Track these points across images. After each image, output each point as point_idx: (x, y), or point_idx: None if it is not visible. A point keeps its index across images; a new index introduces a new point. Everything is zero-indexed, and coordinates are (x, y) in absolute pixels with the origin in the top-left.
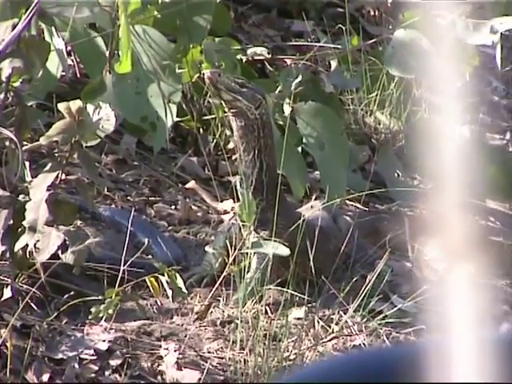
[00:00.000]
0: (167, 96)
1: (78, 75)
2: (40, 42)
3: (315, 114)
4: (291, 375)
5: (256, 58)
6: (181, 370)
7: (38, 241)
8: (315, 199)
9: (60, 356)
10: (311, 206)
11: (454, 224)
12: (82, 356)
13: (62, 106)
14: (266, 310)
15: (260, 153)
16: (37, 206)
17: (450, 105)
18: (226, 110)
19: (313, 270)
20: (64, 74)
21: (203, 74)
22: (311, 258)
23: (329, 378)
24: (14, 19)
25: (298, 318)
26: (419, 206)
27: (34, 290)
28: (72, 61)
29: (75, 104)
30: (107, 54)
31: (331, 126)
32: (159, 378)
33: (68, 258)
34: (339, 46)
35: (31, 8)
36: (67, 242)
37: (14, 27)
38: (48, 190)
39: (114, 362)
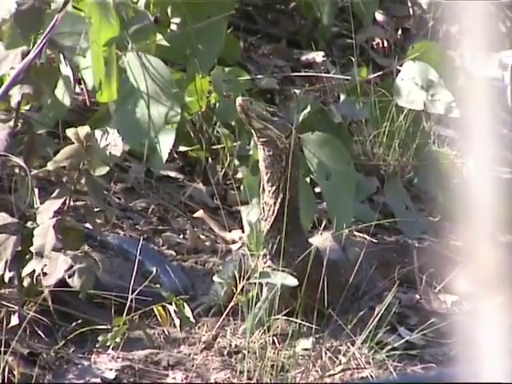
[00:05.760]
0: (166, 118)
1: (88, 103)
2: (49, 69)
3: (322, 144)
4: None
5: (265, 88)
6: None
7: (46, 265)
8: (323, 230)
9: None
10: (321, 236)
11: (484, 255)
12: None
13: (70, 132)
14: (273, 340)
15: (285, 183)
16: (44, 231)
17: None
18: (255, 138)
19: (322, 301)
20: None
21: (234, 102)
22: (320, 289)
23: None
24: (23, 47)
25: (306, 349)
26: (431, 238)
27: (43, 318)
28: (81, 89)
29: (83, 130)
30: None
31: (337, 156)
32: None
33: (75, 282)
34: (348, 77)
35: (43, 36)
36: (74, 267)
37: (23, 55)
38: (55, 215)
39: None
